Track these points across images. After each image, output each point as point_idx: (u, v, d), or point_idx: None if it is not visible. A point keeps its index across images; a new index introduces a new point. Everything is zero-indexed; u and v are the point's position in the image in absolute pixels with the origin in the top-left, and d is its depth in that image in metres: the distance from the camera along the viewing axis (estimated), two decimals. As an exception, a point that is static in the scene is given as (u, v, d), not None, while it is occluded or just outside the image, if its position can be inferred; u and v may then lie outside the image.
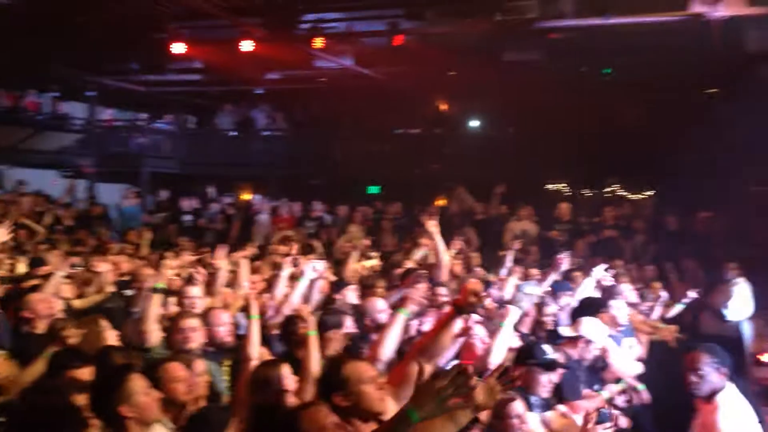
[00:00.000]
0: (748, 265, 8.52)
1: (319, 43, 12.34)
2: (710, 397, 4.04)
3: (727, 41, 10.52)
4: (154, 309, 5.07)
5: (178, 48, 12.47)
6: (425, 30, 12.16)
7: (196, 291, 5.92)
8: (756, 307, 7.75)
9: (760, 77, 10.88)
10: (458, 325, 3.81)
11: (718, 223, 10.80)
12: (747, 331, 7.58)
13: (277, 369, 3.85)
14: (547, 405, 4.71)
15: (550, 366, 4.53)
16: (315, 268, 6.05)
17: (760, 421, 3.91)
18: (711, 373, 4.06)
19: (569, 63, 13.51)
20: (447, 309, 3.84)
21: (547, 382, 4.58)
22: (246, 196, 16.56)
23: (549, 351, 4.67)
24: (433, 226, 6.88)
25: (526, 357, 4.66)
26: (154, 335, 5.03)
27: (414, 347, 3.72)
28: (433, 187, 14.48)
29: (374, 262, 9.09)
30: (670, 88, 12.61)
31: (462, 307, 3.60)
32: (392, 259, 9.95)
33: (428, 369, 3.57)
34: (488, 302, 6.26)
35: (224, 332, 5.13)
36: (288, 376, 3.83)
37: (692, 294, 8.19)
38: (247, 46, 12.37)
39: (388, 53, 12.62)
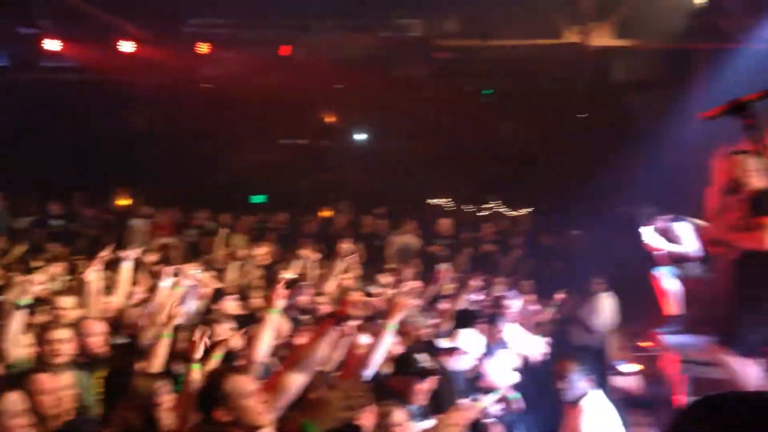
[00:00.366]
0: (613, 281, 9.07)
1: (203, 48, 12.14)
2: (576, 402, 4.33)
3: (597, 69, 11.23)
4: (17, 325, 4.80)
5: (52, 45, 11.89)
6: (312, 42, 12.23)
7: (67, 301, 5.68)
8: (619, 320, 8.28)
9: (625, 104, 11.65)
10: (336, 335, 3.83)
11: (588, 241, 11.43)
12: (610, 342, 8.07)
13: (153, 381, 3.78)
14: (425, 414, 4.83)
15: (424, 374, 4.63)
16: (194, 276, 5.94)
17: (624, 424, 4.20)
18: (577, 380, 4.35)
19: (453, 82, 13.95)
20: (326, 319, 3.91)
21: (422, 390, 4.62)
22: (123, 202, 15.92)
23: (424, 359, 4.75)
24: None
25: (402, 366, 4.76)
26: (19, 350, 4.78)
27: (291, 357, 3.75)
28: (318, 198, 14.51)
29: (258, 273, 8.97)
30: (546, 111, 13.25)
31: (341, 317, 3.68)
32: (275, 269, 9.92)
33: (304, 379, 3.61)
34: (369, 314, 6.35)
35: (97, 343, 4.96)
36: (165, 390, 3.77)
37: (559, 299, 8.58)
38: (126, 47, 11.97)
39: (274, 63, 12.57)
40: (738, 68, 10.04)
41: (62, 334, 4.68)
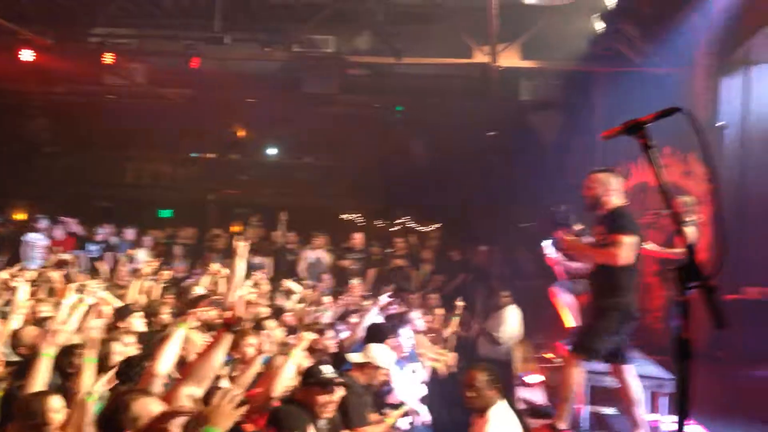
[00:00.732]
0: (519, 294, 9.31)
1: (109, 58, 11.79)
2: (483, 411, 4.42)
3: (504, 89, 11.55)
4: None
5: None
6: (224, 55, 12.07)
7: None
8: (523, 332, 8.49)
9: (530, 124, 12.01)
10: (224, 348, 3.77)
11: (495, 256, 11.70)
12: (516, 354, 8.27)
13: (44, 400, 3.61)
14: (334, 428, 4.80)
15: (327, 384, 4.60)
16: (96, 294, 5.75)
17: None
18: (485, 390, 4.44)
19: (365, 99, 14.05)
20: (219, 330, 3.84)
21: (326, 401, 4.58)
22: (20, 215, 15.22)
23: (328, 371, 4.72)
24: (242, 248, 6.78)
25: (307, 377, 4.71)
26: None
27: (186, 369, 3.67)
28: (228, 212, 14.29)
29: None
30: (456, 129, 13.51)
31: (231, 325, 3.65)
32: (183, 285, 9.69)
33: (199, 391, 3.53)
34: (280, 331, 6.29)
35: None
36: (55, 409, 3.60)
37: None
38: (27, 55, 11.49)
39: (184, 75, 12.33)
40: (636, 90, 10.56)
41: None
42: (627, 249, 4.81)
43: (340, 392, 4.65)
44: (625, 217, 4.98)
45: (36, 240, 12.90)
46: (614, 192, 5.09)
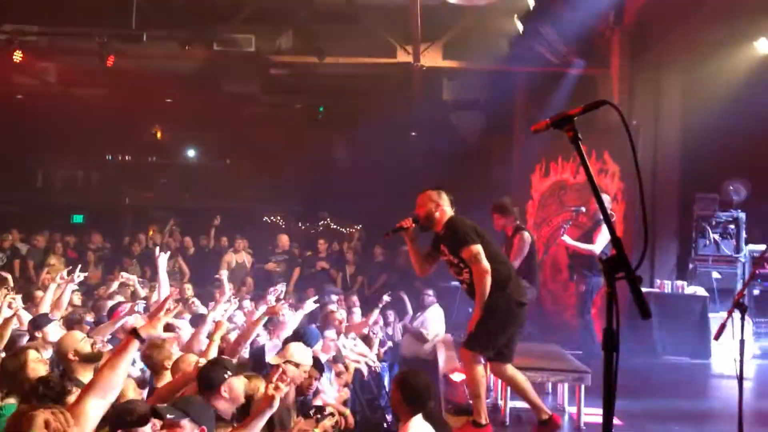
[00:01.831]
0: (442, 292, 9.33)
1: (17, 56, 11.25)
2: (403, 421, 4.31)
3: (427, 89, 11.59)
4: None
5: None
6: (140, 53, 11.66)
7: None
8: (447, 329, 8.51)
9: (451, 123, 12.10)
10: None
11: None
12: (440, 352, 8.27)
13: None
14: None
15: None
16: (10, 304, 5.45)
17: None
18: (401, 405, 4.34)
19: (286, 99, 13.87)
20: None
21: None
22: None
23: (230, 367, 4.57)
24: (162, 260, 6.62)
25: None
26: None
27: (90, 383, 3.45)
28: (144, 216, 13.86)
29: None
30: (379, 129, 13.48)
31: (138, 333, 3.49)
32: (97, 292, 9.35)
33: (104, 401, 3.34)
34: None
35: None
36: None
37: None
38: (-72, 53, 10.87)
39: (98, 74, 11.86)
40: (555, 91, 10.79)
41: None
42: (482, 255, 4.88)
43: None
44: (462, 226, 5.05)
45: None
46: (446, 206, 5.16)
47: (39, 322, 6.17)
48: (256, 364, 6.07)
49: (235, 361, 5.19)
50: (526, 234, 6.90)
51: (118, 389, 3.38)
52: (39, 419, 2.88)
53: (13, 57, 11.20)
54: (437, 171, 11.11)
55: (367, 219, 14.03)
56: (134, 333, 3.49)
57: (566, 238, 7.82)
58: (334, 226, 15.57)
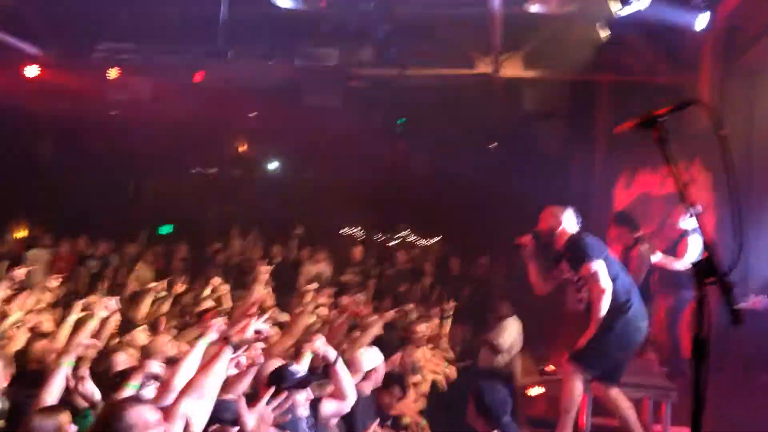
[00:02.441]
0: (520, 305, 9.14)
1: (113, 73, 11.79)
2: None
3: (506, 99, 11.47)
4: None
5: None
6: (226, 69, 12.02)
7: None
8: (525, 343, 8.33)
9: (531, 134, 11.93)
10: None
11: (495, 267, 11.54)
12: (516, 365, 8.10)
13: (54, 417, 3.52)
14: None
15: (302, 384, 4.48)
16: (107, 306, 5.69)
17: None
18: (476, 419, 4.25)
19: (367, 111, 14.00)
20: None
21: (303, 399, 4.53)
22: (21, 232, 15.16)
23: (299, 370, 4.63)
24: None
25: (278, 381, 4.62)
26: None
27: (185, 386, 3.55)
28: (227, 227, 14.21)
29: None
30: (456, 140, 13.38)
31: (233, 341, 3.58)
32: (183, 300, 9.60)
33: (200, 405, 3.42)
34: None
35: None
36: (67, 426, 3.53)
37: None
38: (31, 71, 11.52)
39: (186, 90, 12.31)
40: (640, 100, 10.45)
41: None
42: (601, 273, 4.75)
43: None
44: (583, 243, 4.92)
45: (38, 255, 12.87)
46: (568, 223, 5.06)
47: (127, 326, 6.44)
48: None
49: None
50: (645, 248, 6.68)
51: (214, 393, 3.46)
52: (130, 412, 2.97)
53: (110, 74, 11.75)
54: (516, 182, 10.96)
55: (446, 231, 13.95)
56: (226, 340, 3.57)
57: (658, 257, 7.33)
58: (412, 238, 15.57)
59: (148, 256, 12.89)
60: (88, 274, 12.03)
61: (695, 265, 2.02)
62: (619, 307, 4.82)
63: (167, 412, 3.36)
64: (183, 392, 3.44)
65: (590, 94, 11.48)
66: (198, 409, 3.38)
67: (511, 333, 8.46)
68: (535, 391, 6.57)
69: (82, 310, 5.77)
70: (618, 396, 4.96)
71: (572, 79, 11.05)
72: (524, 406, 6.33)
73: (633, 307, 4.88)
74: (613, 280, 4.83)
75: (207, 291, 8.66)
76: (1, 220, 15.20)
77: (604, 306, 4.74)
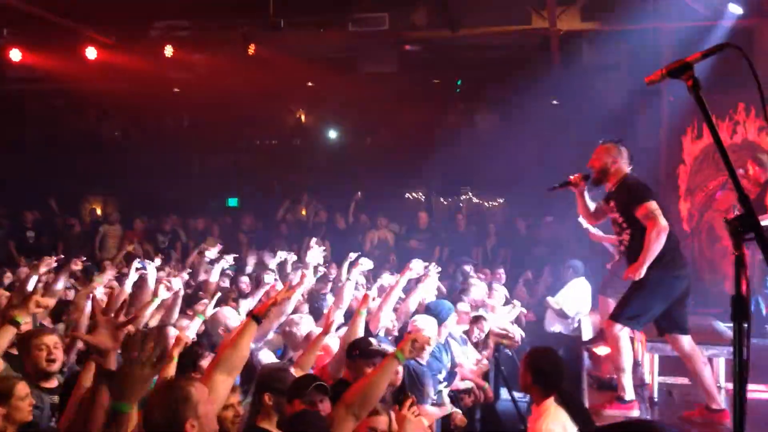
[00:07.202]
0: (588, 265, 8.95)
1: (169, 51, 11.95)
2: (540, 400, 4.08)
3: (565, 54, 11.11)
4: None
5: (16, 55, 11.75)
6: (280, 40, 12.03)
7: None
8: (594, 303, 8.17)
9: (594, 89, 11.55)
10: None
11: (561, 227, 11.33)
12: (586, 326, 7.96)
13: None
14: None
15: (372, 356, 4.50)
16: (168, 287, 5.90)
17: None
18: (534, 384, 4.11)
19: (423, 75, 13.83)
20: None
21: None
22: (94, 208, 15.74)
23: (373, 343, 4.68)
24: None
25: (352, 351, 4.68)
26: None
27: (214, 360, 3.59)
28: (291, 198, 14.36)
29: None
30: (516, 98, 13.09)
31: (257, 316, 3.63)
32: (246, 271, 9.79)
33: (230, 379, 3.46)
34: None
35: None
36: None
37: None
38: (91, 53, 11.79)
39: (242, 63, 12.38)
40: (704, 45, 9.94)
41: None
42: (659, 212, 4.58)
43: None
44: (637, 183, 4.78)
45: (111, 231, 13.30)
46: (623, 162, 4.89)
47: (191, 300, 6.63)
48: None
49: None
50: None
51: (240, 367, 3.51)
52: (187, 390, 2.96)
53: (166, 51, 11.92)
54: (580, 138, 10.65)
55: (510, 192, 13.76)
56: (251, 315, 3.62)
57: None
58: (476, 201, 15.43)
59: (215, 229, 13.20)
60: (157, 248, 12.41)
61: (729, 222, 1.89)
62: (662, 257, 4.67)
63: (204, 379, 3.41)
64: (213, 365, 3.45)
65: (654, 42, 10.96)
66: (223, 382, 3.40)
67: (579, 295, 8.31)
68: (602, 350, 6.43)
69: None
70: (693, 351, 4.80)
71: (633, 29, 10.59)
72: (592, 367, 6.22)
73: (666, 256, 4.71)
74: None
75: (274, 262, 8.84)
76: (75, 198, 15.80)
77: (660, 243, 4.60)
